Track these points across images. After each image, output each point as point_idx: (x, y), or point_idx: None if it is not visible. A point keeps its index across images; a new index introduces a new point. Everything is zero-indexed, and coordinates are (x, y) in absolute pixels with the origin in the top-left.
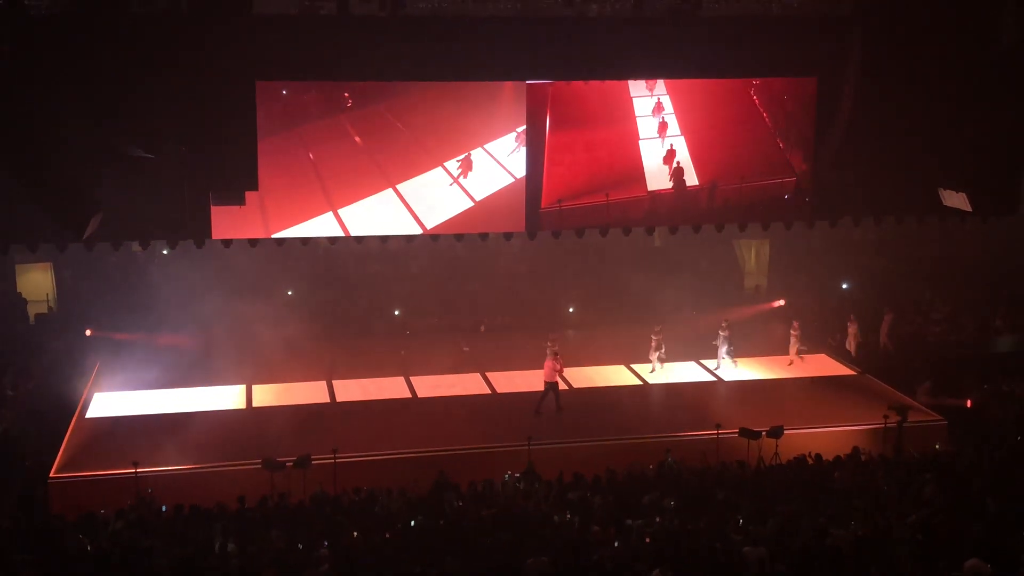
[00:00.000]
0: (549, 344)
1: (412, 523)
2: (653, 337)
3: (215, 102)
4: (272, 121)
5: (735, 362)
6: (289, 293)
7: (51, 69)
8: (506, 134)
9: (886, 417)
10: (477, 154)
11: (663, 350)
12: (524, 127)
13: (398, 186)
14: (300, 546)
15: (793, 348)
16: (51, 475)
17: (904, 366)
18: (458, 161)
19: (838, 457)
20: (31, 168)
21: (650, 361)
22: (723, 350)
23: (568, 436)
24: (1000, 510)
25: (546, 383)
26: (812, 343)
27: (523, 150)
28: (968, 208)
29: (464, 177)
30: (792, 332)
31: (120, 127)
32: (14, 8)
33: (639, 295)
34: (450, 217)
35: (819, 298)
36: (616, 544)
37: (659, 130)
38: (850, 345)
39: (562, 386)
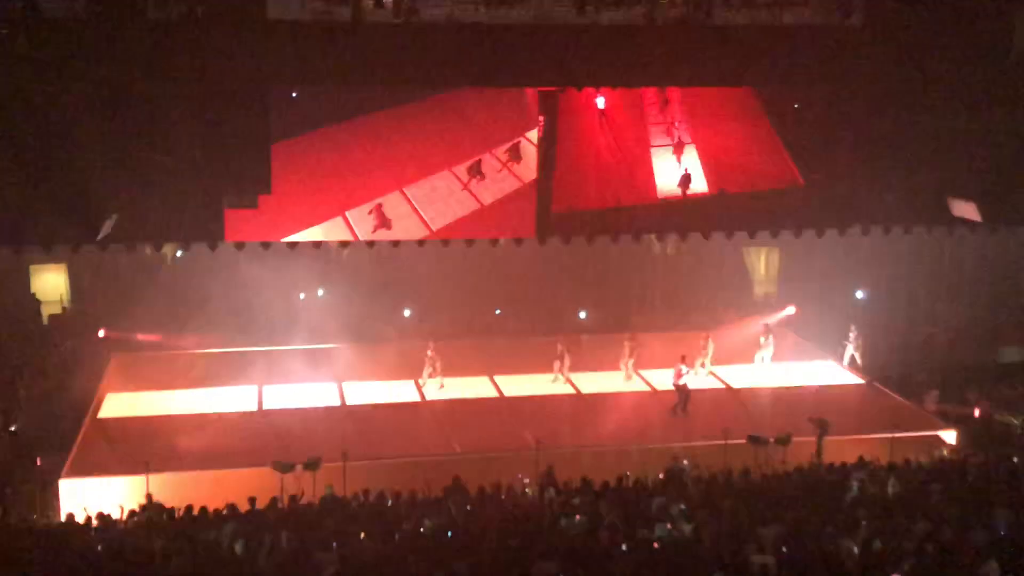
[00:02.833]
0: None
1: (421, 527)
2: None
3: (229, 106)
4: (285, 125)
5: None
6: (301, 296)
7: (67, 72)
8: (517, 139)
9: (894, 426)
10: (487, 159)
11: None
12: (536, 132)
13: (406, 189)
14: (309, 548)
15: (702, 363)
16: (62, 475)
17: (912, 375)
18: (468, 166)
19: (845, 464)
20: (46, 170)
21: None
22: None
23: (577, 441)
24: (1010, 519)
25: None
26: (819, 352)
27: (534, 155)
28: (977, 217)
29: (474, 182)
30: (703, 345)
31: (135, 130)
32: (32, 12)
33: (648, 300)
34: (458, 219)
35: (829, 306)
36: (624, 548)
37: (669, 137)
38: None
39: (571, 391)
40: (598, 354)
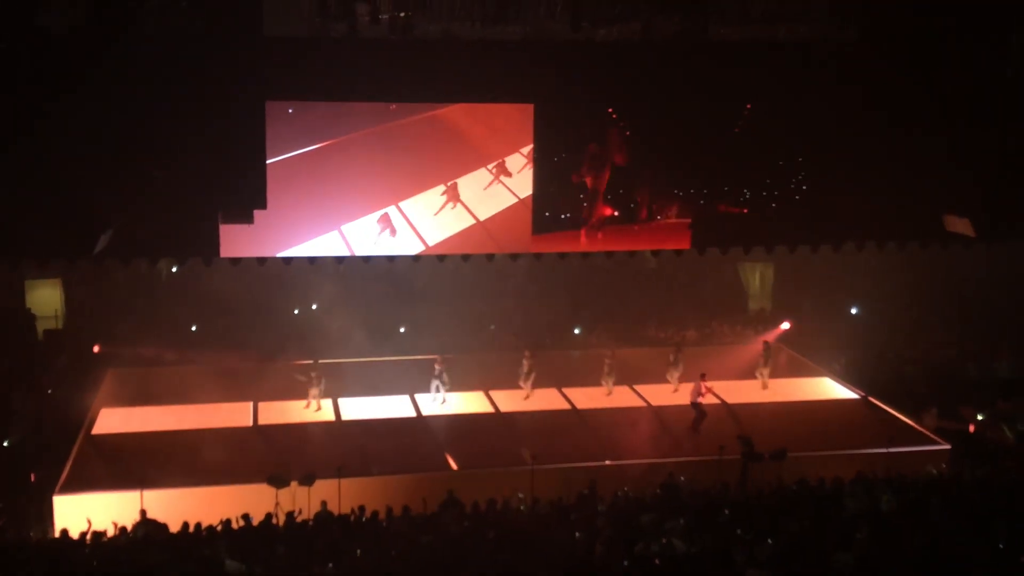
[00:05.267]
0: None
1: (416, 542)
2: (607, 362)
3: (225, 121)
4: (280, 140)
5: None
6: (295, 312)
7: (63, 85)
8: (512, 154)
9: (891, 439)
10: (481, 174)
11: (612, 377)
12: (531, 147)
13: (401, 204)
14: (305, 564)
15: (609, 380)
16: (57, 491)
17: (908, 390)
18: (463, 180)
19: (842, 480)
20: (41, 184)
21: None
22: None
23: (570, 458)
24: (1008, 533)
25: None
26: (814, 367)
27: (530, 170)
28: (972, 233)
29: (468, 197)
30: (607, 361)
31: (131, 145)
32: (30, 25)
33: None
34: (453, 235)
35: (824, 321)
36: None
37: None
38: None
39: (565, 406)
40: (593, 369)
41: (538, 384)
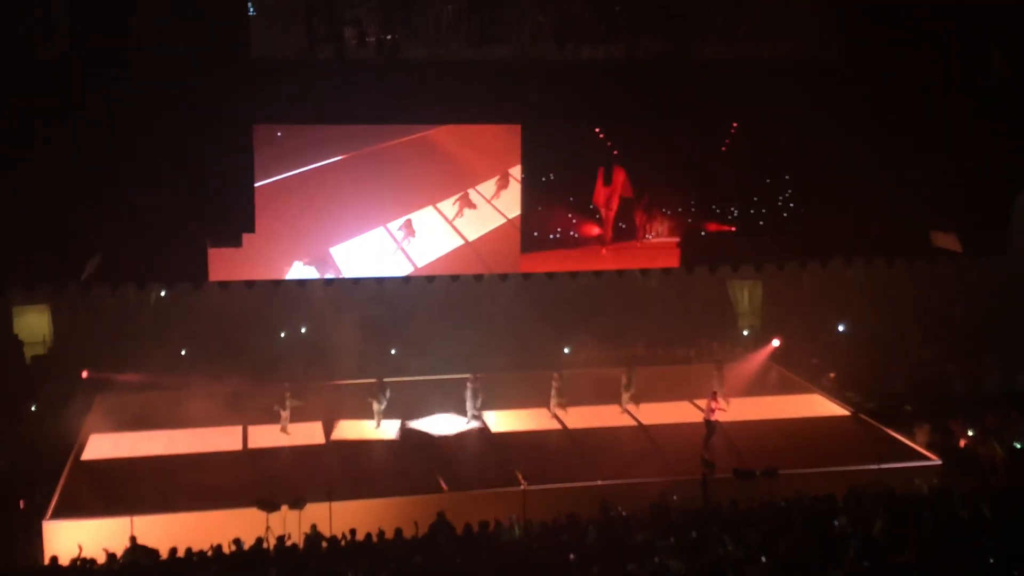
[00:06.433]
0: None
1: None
2: (553, 383)
3: (213, 145)
4: (268, 164)
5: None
6: (282, 335)
7: (50, 112)
8: (499, 175)
9: (879, 457)
10: (471, 195)
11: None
12: (519, 168)
13: (389, 226)
14: None
15: (553, 401)
16: (46, 518)
17: (897, 406)
18: (452, 202)
19: (834, 497)
20: (29, 210)
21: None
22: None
23: (563, 478)
24: (998, 549)
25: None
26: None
27: (518, 191)
28: (958, 248)
29: (458, 217)
30: (553, 383)
31: (118, 170)
32: (15, 52)
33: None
34: (442, 256)
35: (812, 338)
36: None
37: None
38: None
39: (556, 426)
40: (583, 389)
41: (528, 404)
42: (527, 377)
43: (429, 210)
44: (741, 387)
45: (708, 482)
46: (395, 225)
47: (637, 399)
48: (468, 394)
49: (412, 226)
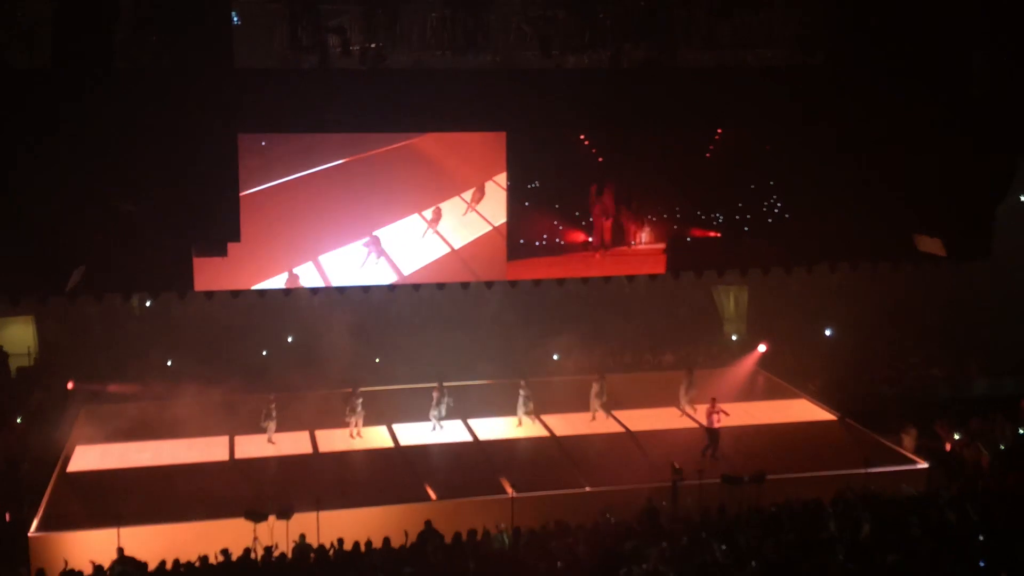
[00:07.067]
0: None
1: (397, 574)
2: (520, 391)
3: (197, 155)
4: (253, 173)
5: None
6: (264, 353)
7: (33, 122)
8: (485, 182)
9: (866, 461)
10: (456, 202)
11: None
12: (504, 175)
13: (376, 233)
14: None
15: (521, 409)
16: (32, 530)
17: (883, 411)
18: (435, 210)
19: (821, 502)
20: (12, 221)
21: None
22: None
23: (551, 485)
24: (986, 551)
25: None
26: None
27: (503, 198)
28: (943, 253)
29: (444, 225)
30: (520, 391)
31: (102, 180)
32: None
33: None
34: (428, 264)
35: (799, 343)
36: None
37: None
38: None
39: (544, 434)
40: (569, 396)
41: (513, 412)
42: (514, 384)
43: (414, 218)
44: (728, 393)
45: (679, 488)
46: (382, 233)
47: (608, 407)
48: (433, 402)
49: (391, 238)
